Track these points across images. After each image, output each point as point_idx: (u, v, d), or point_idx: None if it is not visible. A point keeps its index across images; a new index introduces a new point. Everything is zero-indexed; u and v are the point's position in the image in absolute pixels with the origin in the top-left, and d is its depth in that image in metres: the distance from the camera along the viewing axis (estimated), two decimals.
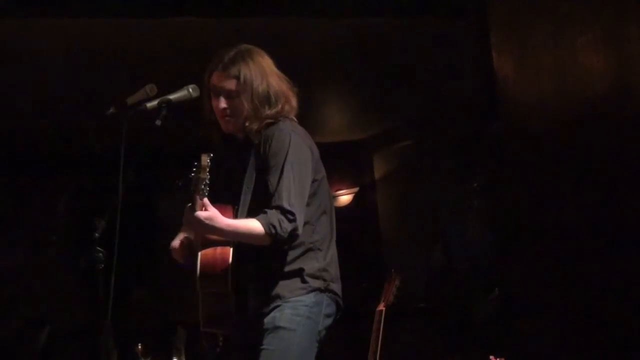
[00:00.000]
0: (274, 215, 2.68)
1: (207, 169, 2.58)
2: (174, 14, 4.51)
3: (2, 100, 5.89)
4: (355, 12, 4.71)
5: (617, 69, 3.17)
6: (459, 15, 4.76)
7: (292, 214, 2.69)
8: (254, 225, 2.68)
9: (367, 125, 8.22)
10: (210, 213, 2.66)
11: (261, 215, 2.69)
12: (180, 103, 2.79)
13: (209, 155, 2.57)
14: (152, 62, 5.18)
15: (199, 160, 2.56)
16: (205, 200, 2.65)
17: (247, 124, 2.83)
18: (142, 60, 5.22)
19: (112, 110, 2.70)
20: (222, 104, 2.84)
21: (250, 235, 2.70)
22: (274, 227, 2.66)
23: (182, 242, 2.91)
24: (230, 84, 2.82)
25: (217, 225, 2.68)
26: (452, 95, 6.74)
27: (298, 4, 4.62)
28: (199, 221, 2.66)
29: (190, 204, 2.66)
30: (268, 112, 2.82)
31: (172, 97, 2.78)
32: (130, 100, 2.72)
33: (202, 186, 2.60)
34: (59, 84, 5.66)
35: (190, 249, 2.86)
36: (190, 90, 2.83)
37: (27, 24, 4.53)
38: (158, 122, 2.72)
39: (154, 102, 2.73)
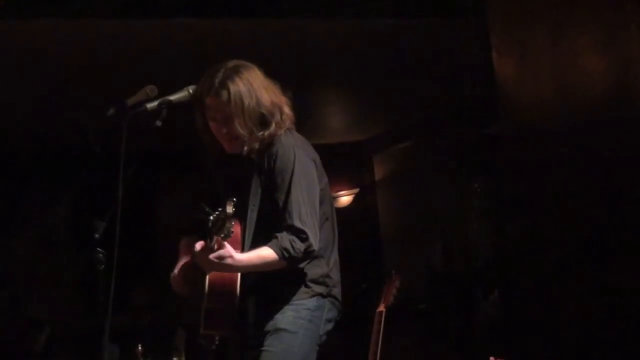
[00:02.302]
0: (285, 238, 2.66)
1: (232, 218, 2.52)
2: (174, 15, 4.51)
3: (2, 101, 5.89)
4: (355, 12, 4.70)
5: (618, 71, 3.17)
6: (459, 15, 4.76)
7: (304, 232, 2.67)
8: (267, 253, 2.65)
9: (367, 126, 8.22)
10: (221, 252, 2.61)
11: (272, 242, 2.66)
12: (180, 104, 2.79)
13: (232, 201, 2.52)
14: (153, 63, 5.18)
15: (224, 207, 2.50)
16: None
17: (246, 147, 2.81)
18: (142, 61, 5.22)
19: (112, 111, 2.70)
20: (223, 129, 2.81)
21: (265, 265, 2.67)
22: (287, 250, 2.64)
23: (183, 274, 2.89)
24: (225, 109, 2.78)
25: (230, 263, 2.62)
26: (452, 95, 6.74)
27: (298, 4, 4.62)
28: (210, 262, 2.61)
29: (203, 243, 2.61)
30: (264, 132, 2.79)
31: (172, 98, 2.77)
32: (131, 101, 2.71)
33: (226, 233, 2.55)
34: (59, 85, 5.66)
35: (193, 281, 2.83)
36: (191, 91, 2.82)
37: (26, 24, 4.53)
38: (158, 123, 2.71)
39: (154, 103, 2.72)
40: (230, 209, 2.50)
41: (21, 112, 6.31)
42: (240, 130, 2.77)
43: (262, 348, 2.73)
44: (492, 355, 3.79)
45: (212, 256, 2.60)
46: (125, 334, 5.89)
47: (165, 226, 7.61)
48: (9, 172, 7.25)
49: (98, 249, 2.58)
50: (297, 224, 2.67)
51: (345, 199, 8.79)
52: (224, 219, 2.51)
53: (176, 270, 2.91)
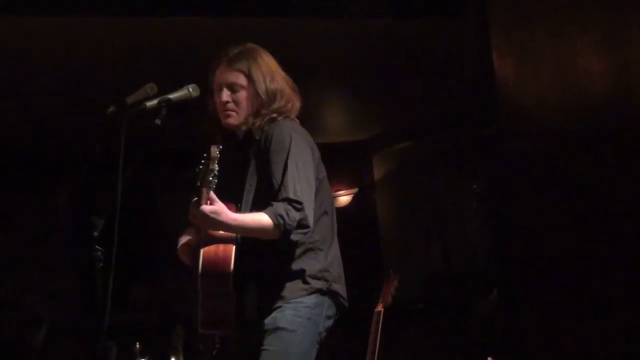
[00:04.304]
0: (280, 206, 2.65)
1: (216, 161, 2.52)
2: (174, 13, 4.51)
3: (1, 99, 5.89)
4: (355, 12, 4.70)
5: (618, 72, 3.17)
6: (459, 15, 4.75)
7: (299, 203, 2.66)
8: (261, 218, 2.64)
9: (366, 126, 8.22)
10: (216, 207, 2.61)
11: (268, 208, 2.65)
12: (180, 102, 2.79)
13: (218, 147, 2.53)
14: (152, 61, 5.18)
15: (208, 152, 2.51)
16: (212, 194, 2.60)
17: (251, 120, 2.83)
18: (142, 59, 5.22)
19: (112, 109, 2.70)
20: (225, 97, 2.84)
21: (258, 229, 2.66)
22: (282, 217, 2.62)
23: (189, 244, 2.89)
24: (236, 77, 2.83)
25: (223, 219, 2.63)
26: (452, 96, 6.74)
27: (298, 4, 4.61)
28: (205, 215, 2.61)
29: (196, 198, 2.62)
30: (272, 107, 2.83)
31: (172, 96, 2.77)
32: (130, 99, 2.71)
33: (210, 178, 2.54)
34: (58, 83, 5.66)
35: (194, 251, 2.83)
36: (190, 89, 2.82)
37: (25, 23, 4.53)
38: (158, 122, 2.71)
39: (154, 102, 2.72)
40: (214, 152, 2.51)
41: (20, 110, 6.30)
42: (252, 100, 2.80)
43: (262, 347, 2.73)
44: (490, 355, 3.79)
45: (206, 209, 2.59)
46: (123, 332, 5.89)
47: (164, 224, 7.61)
48: (7, 170, 7.24)
49: (96, 247, 2.58)
50: (292, 196, 2.67)
51: (344, 198, 8.78)
52: (207, 162, 2.52)
53: (183, 240, 2.91)
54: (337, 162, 8.17)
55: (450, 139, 7.56)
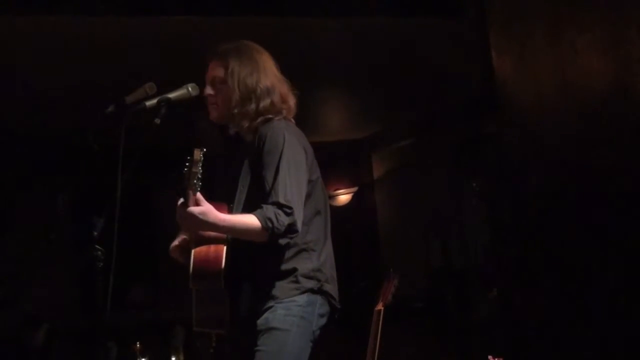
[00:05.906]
0: (270, 209, 2.65)
1: (200, 163, 2.55)
2: (174, 12, 4.51)
3: (0, 99, 5.89)
4: (355, 11, 4.70)
5: (617, 70, 3.17)
6: (459, 15, 4.75)
7: (289, 207, 2.66)
8: (250, 219, 2.65)
9: (366, 125, 8.22)
10: (203, 208, 2.62)
11: (257, 210, 2.66)
12: (179, 102, 2.79)
13: (201, 150, 2.54)
14: (152, 61, 5.18)
15: (192, 155, 2.54)
16: (199, 195, 2.61)
17: (236, 120, 2.83)
18: (141, 58, 5.22)
19: (111, 108, 2.70)
20: (207, 90, 2.86)
21: (246, 230, 2.66)
22: (270, 220, 2.63)
23: (182, 244, 2.90)
24: (218, 72, 2.85)
25: (211, 220, 2.64)
26: (452, 95, 6.74)
27: (298, 3, 4.61)
28: (192, 216, 2.62)
29: (182, 200, 2.63)
30: (253, 106, 2.81)
31: (171, 95, 2.77)
32: (130, 98, 2.71)
33: (195, 180, 2.56)
34: (57, 82, 5.66)
35: (187, 250, 2.84)
36: (190, 89, 2.82)
37: (24, 21, 4.53)
38: (157, 121, 2.71)
39: (154, 101, 2.72)
40: (197, 155, 2.53)
41: (19, 109, 6.30)
42: (230, 95, 2.80)
43: (256, 348, 2.72)
44: (490, 354, 3.79)
45: (193, 210, 2.60)
46: (123, 331, 5.90)
47: (163, 224, 7.61)
48: (6, 169, 7.24)
49: (96, 246, 2.58)
50: (282, 200, 2.67)
51: (343, 197, 8.79)
52: (191, 165, 2.53)
53: (176, 241, 2.92)
54: (337, 161, 8.19)
55: (450, 137, 7.56)
